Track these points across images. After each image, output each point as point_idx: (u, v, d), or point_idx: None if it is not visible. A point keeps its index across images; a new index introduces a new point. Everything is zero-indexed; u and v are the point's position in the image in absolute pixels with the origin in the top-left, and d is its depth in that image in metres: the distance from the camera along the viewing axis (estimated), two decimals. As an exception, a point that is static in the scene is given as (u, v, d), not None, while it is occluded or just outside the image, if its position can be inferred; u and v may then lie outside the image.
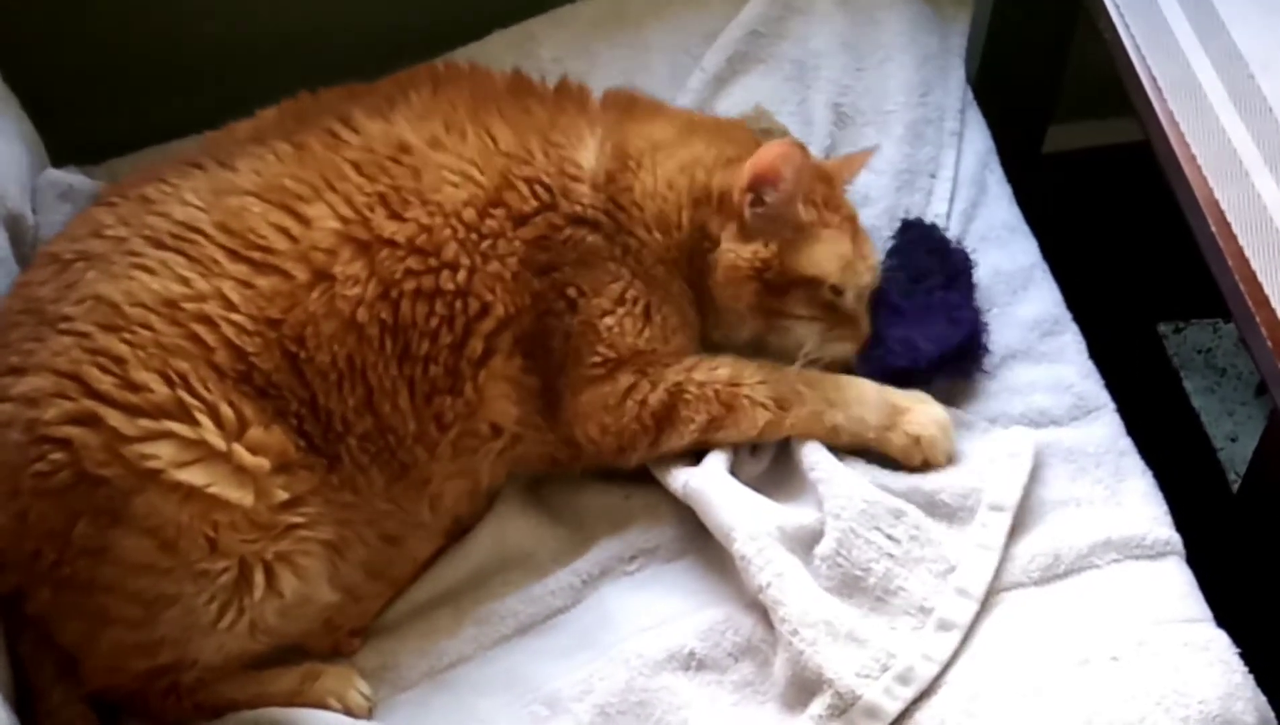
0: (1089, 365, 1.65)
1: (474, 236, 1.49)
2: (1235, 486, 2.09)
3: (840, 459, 1.52)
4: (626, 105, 1.63)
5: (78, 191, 1.77)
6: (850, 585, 1.46)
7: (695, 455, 1.55)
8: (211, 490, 1.38)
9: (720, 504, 1.48)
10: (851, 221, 1.60)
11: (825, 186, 1.59)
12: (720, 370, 1.54)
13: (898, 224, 1.71)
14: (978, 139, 1.85)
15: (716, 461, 1.53)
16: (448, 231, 1.48)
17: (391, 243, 1.46)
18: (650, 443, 1.54)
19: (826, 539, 1.47)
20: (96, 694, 1.46)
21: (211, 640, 1.43)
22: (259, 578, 1.41)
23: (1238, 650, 1.42)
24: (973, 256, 1.67)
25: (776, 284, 1.54)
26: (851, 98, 1.84)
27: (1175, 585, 1.46)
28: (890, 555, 1.46)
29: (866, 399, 1.54)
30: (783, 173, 1.52)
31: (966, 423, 1.57)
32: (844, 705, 1.38)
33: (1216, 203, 1.47)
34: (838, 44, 1.87)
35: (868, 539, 1.46)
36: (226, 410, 1.40)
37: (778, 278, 1.54)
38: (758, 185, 1.53)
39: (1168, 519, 1.51)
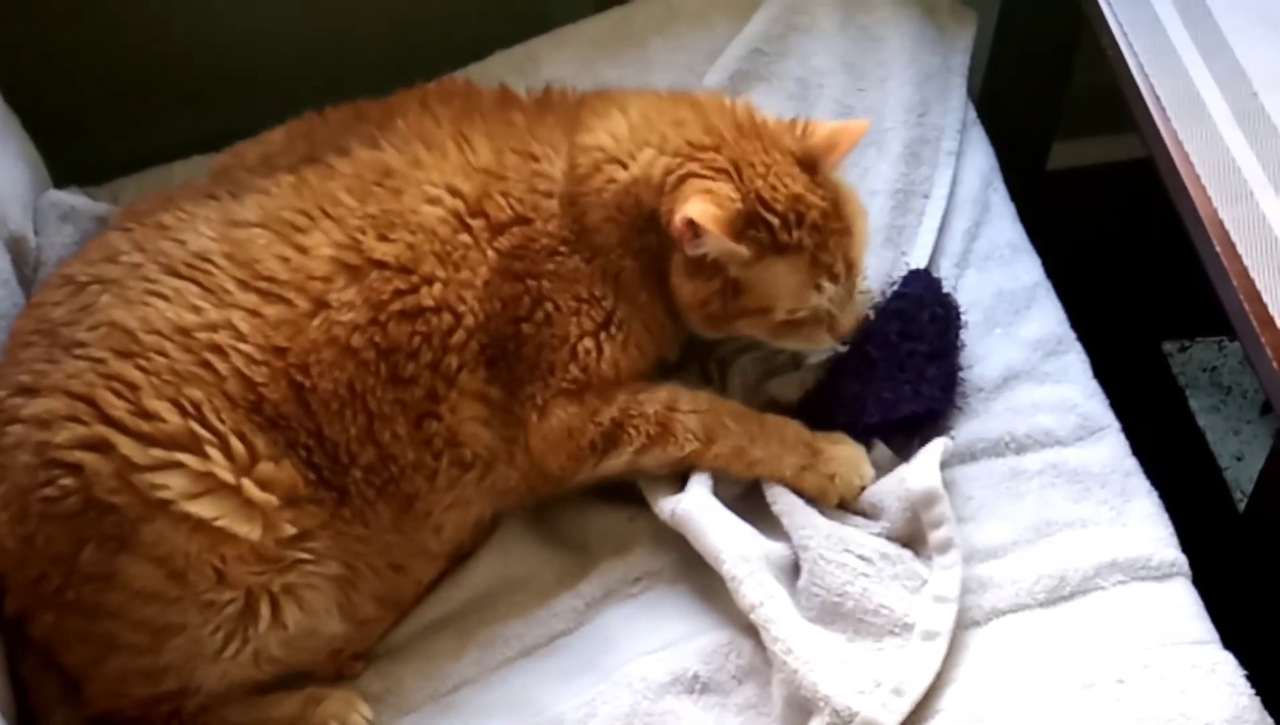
0: (1093, 385, 1.64)
1: (448, 249, 1.48)
2: (1241, 506, 2.08)
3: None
4: (587, 103, 1.59)
5: (80, 212, 1.76)
6: (830, 612, 1.45)
7: (680, 481, 1.55)
8: (220, 523, 1.38)
9: (709, 529, 1.49)
10: (819, 228, 1.50)
11: (795, 181, 1.49)
12: (660, 393, 1.54)
13: (900, 257, 1.71)
14: (980, 157, 1.84)
15: (700, 486, 1.53)
16: (427, 247, 1.48)
17: (381, 264, 1.47)
18: (594, 463, 1.54)
19: (801, 572, 1.48)
20: (99, 717, 1.46)
21: (216, 669, 1.43)
22: (264, 610, 1.42)
23: (1245, 672, 1.41)
24: (970, 296, 1.66)
25: (721, 315, 1.53)
26: (853, 116, 1.83)
27: (1181, 607, 1.46)
28: (864, 575, 1.46)
29: (787, 439, 1.54)
30: (705, 239, 1.46)
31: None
32: (842, 723, 1.37)
33: (1220, 221, 1.47)
34: (839, 62, 1.87)
35: (839, 563, 1.46)
36: (237, 443, 1.40)
37: (723, 311, 1.53)
38: (683, 238, 1.47)
39: (1173, 540, 1.50)
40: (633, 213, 1.51)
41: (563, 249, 1.51)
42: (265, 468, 1.41)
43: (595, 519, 1.60)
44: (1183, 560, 1.49)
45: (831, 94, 1.85)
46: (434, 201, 1.50)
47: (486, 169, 1.52)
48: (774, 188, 1.49)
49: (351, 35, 1.96)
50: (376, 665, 1.54)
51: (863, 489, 1.53)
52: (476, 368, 1.49)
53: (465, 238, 1.49)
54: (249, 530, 1.39)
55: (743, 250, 1.47)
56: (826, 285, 1.52)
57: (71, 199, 1.78)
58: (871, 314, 1.60)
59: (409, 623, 1.56)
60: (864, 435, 1.56)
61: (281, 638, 1.44)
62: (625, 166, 1.51)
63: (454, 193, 1.50)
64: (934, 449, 1.52)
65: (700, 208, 1.44)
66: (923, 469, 1.50)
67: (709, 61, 1.89)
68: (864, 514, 1.53)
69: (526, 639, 1.52)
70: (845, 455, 1.54)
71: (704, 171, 1.49)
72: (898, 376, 1.56)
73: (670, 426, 1.52)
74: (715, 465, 1.53)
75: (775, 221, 1.48)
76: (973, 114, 1.88)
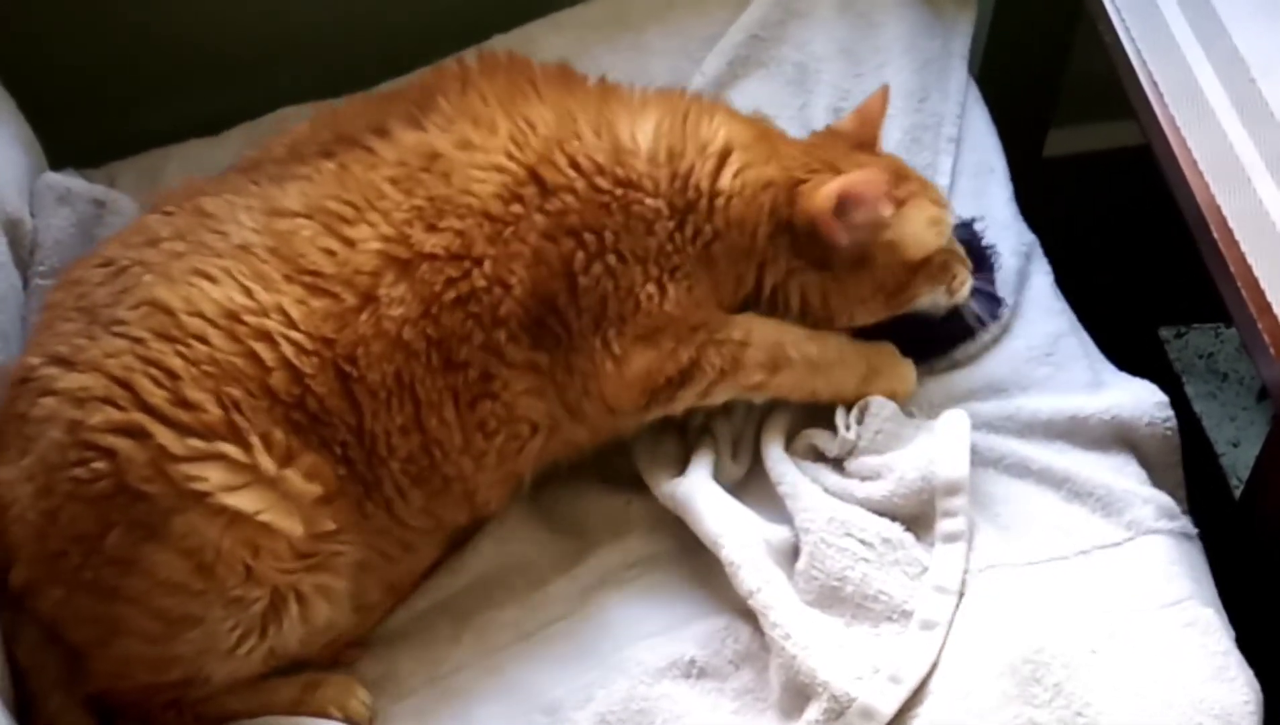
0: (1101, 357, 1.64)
1: (499, 226, 1.47)
2: (1237, 492, 2.08)
3: (804, 472, 1.53)
4: (682, 96, 1.62)
5: (76, 195, 1.76)
6: (829, 597, 1.45)
7: (680, 464, 1.56)
8: (263, 518, 1.37)
9: (708, 513, 1.49)
10: (901, 174, 1.59)
11: (875, 151, 1.60)
12: (735, 330, 1.54)
13: None
14: (981, 143, 1.84)
15: (701, 470, 1.53)
16: (477, 230, 1.47)
17: (431, 256, 1.45)
18: (667, 398, 1.54)
19: (801, 555, 1.48)
20: (97, 696, 1.45)
21: (226, 665, 1.42)
22: (292, 608, 1.41)
23: (1234, 634, 1.42)
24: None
25: (896, 286, 1.56)
26: (851, 102, 1.83)
27: (1158, 566, 1.46)
28: (865, 559, 1.46)
29: (847, 359, 1.57)
30: (857, 208, 1.50)
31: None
32: (840, 708, 1.37)
33: (1218, 207, 1.47)
34: (838, 48, 1.87)
35: (840, 547, 1.46)
36: (279, 436, 1.39)
37: (896, 281, 1.55)
38: (844, 209, 1.50)
39: (1159, 499, 1.51)
40: (756, 230, 1.53)
41: (644, 199, 1.50)
42: (307, 460, 1.40)
43: (593, 504, 1.60)
44: (1172, 522, 1.49)
45: (830, 80, 1.85)
46: (484, 181, 1.48)
47: (547, 135, 1.51)
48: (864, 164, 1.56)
49: (349, 19, 1.95)
50: (374, 651, 1.54)
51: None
52: (521, 337, 1.48)
53: (517, 208, 1.48)
54: (290, 526, 1.38)
55: (888, 206, 1.51)
56: (949, 214, 1.59)
57: (68, 181, 1.78)
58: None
59: (406, 608, 1.56)
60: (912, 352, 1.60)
61: (300, 634, 1.43)
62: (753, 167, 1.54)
63: (503, 169, 1.49)
64: (961, 431, 1.51)
65: (842, 181, 1.49)
66: (953, 456, 1.49)
67: (706, 48, 1.89)
68: (877, 474, 1.52)
69: (523, 624, 1.52)
70: (901, 376, 1.58)
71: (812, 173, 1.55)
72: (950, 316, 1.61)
73: (741, 359, 1.53)
74: (779, 393, 1.56)
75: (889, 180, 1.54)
76: (974, 97, 1.88)
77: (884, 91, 1.64)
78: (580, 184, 1.49)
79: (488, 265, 1.46)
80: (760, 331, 1.54)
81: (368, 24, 1.95)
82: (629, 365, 1.51)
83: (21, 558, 1.40)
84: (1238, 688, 1.38)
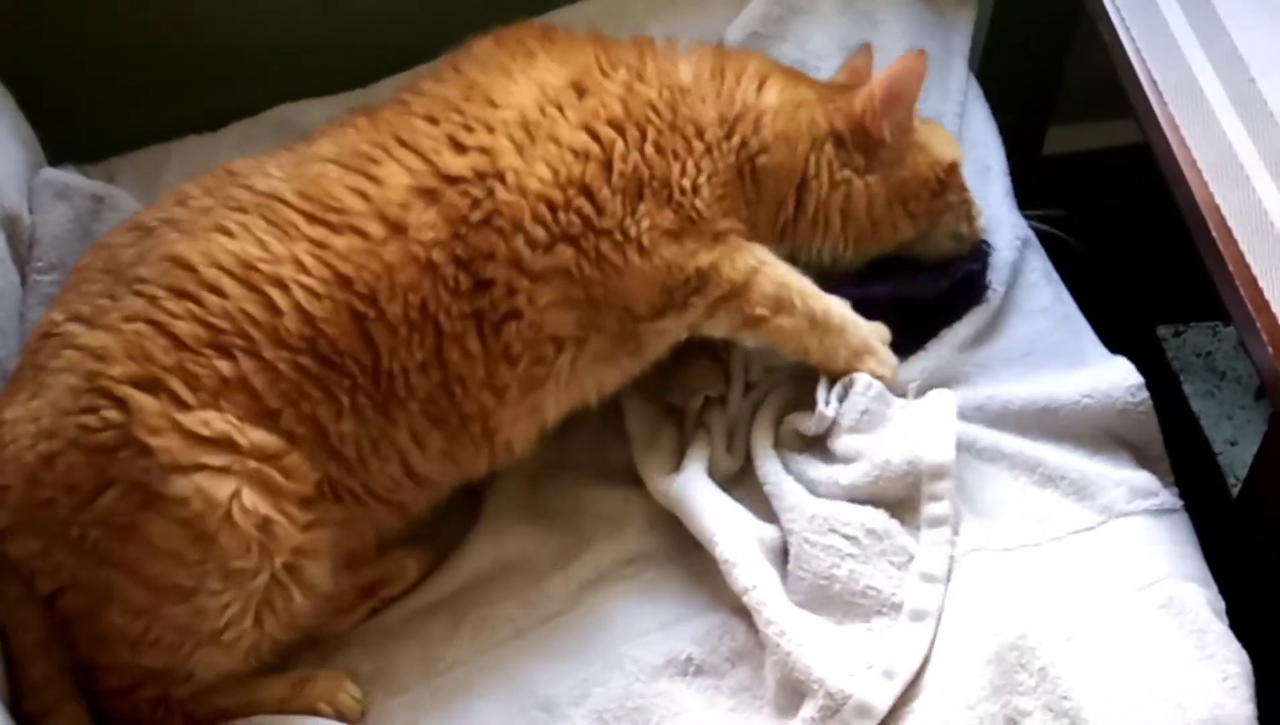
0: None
1: (529, 132, 1.50)
2: (1235, 491, 2.08)
3: (789, 468, 1.54)
4: (720, 50, 1.70)
5: (75, 190, 1.76)
6: (818, 597, 1.46)
7: (676, 460, 1.56)
8: (285, 461, 1.39)
9: (702, 511, 1.49)
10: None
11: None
12: (752, 256, 1.56)
13: None
14: (980, 139, 1.84)
15: (696, 466, 1.54)
16: (506, 141, 1.49)
17: (456, 180, 1.47)
18: (680, 305, 1.54)
19: (790, 556, 1.48)
20: (84, 674, 1.44)
21: (209, 653, 1.42)
22: (290, 579, 1.42)
23: (1221, 604, 1.43)
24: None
25: (938, 190, 1.63)
26: (851, 100, 1.83)
27: (1135, 548, 1.47)
28: (851, 555, 1.46)
29: (847, 329, 1.57)
30: (898, 100, 1.61)
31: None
32: (835, 705, 1.37)
33: (1217, 206, 1.47)
34: (838, 46, 1.87)
35: (825, 545, 1.46)
36: (284, 388, 1.41)
37: (938, 183, 1.63)
38: (890, 106, 1.60)
39: (1133, 480, 1.51)
40: (799, 146, 1.60)
41: (697, 107, 1.56)
42: (309, 414, 1.42)
43: (590, 501, 1.60)
44: (1156, 501, 1.51)
45: (830, 77, 1.85)
46: (524, 91, 1.52)
47: (584, 61, 1.56)
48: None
49: (349, 16, 1.95)
50: (369, 646, 1.54)
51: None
52: (539, 238, 1.48)
53: (553, 111, 1.51)
54: (305, 473, 1.41)
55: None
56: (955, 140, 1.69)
57: (67, 177, 1.78)
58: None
59: (402, 604, 1.56)
60: (903, 312, 1.61)
61: (292, 612, 1.43)
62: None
63: (541, 82, 1.53)
64: (947, 413, 1.52)
65: (884, 78, 1.61)
66: (939, 439, 1.50)
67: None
68: (861, 456, 1.51)
69: (519, 621, 1.52)
70: (890, 359, 1.58)
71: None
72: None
73: (750, 284, 1.54)
74: (773, 338, 1.57)
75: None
76: (975, 94, 1.88)
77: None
78: (623, 86, 1.54)
79: (510, 176, 1.48)
80: (775, 266, 1.57)
81: (367, 21, 1.95)
82: (653, 258, 1.51)
83: (7, 500, 1.39)
84: (1217, 664, 1.39)
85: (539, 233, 1.48)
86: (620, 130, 1.52)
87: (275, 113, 1.88)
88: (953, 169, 1.64)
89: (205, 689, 1.45)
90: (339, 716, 1.47)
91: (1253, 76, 1.58)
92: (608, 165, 1.50)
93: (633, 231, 1.50)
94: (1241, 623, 1.44)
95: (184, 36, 1.91)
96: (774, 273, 1.56)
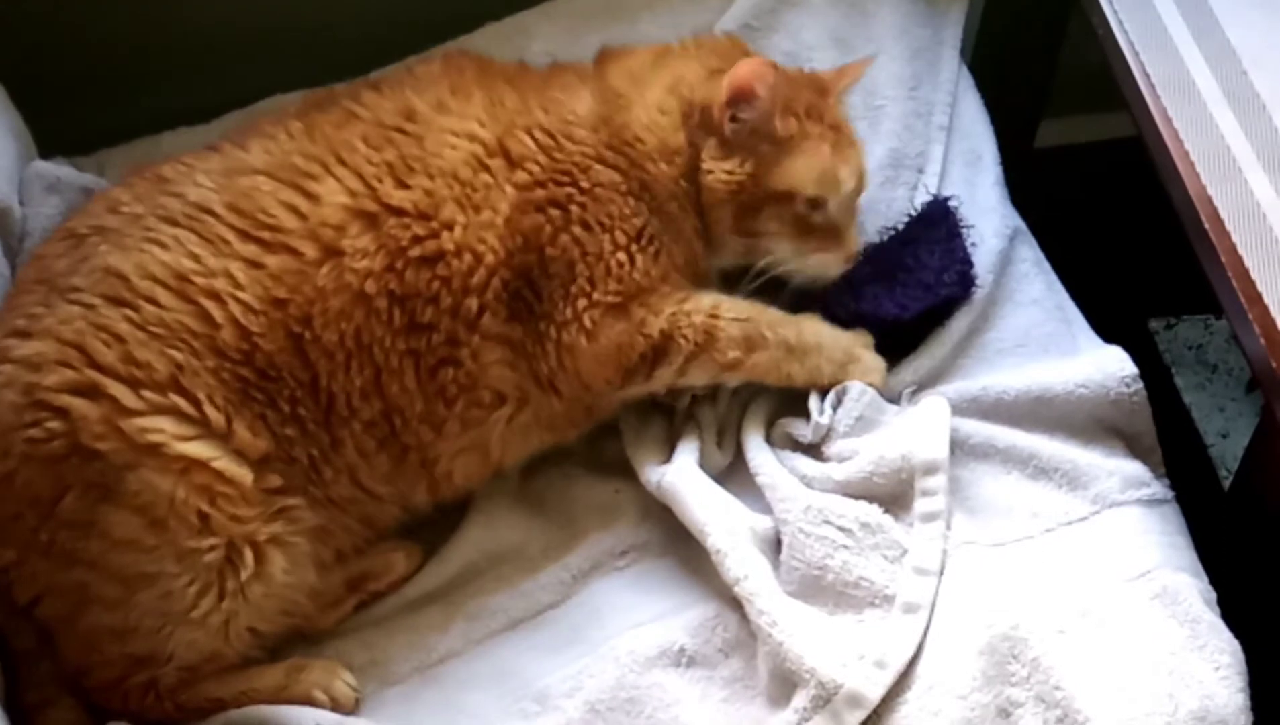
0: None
1: (469, 191, 1.50)
2: (1226, 483, 2.09)
3: (782, 462, 1.53)
4: (607, 54, 1.66)
5: (66, 183, 1.76)
6: (811, 586, 1.46)
7: (668, 451, 1.56)
8: (215, 465, 1.39)
9: (694, 501, 1.49)
10: (836, 130, 1.61)
11: (813, 95, 1.61)
12: (705, 301, 1.55)
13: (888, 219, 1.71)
14: (972, 130, 1.84)
15: (687, 458, 1.54)
16: (446, 191, 1.49)
17: (399, 211, 1.47)
18: (645, 376, 1.54)
19: (783, 546, 1.48)
20: (75, 677, 1.45)
21: (185, 633, 1.42)
22: (248, 557, 1.42)
23: (1213, 594, 1.43)
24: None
25: (751, 203, 1.56)
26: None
27: (1127, 538, 1.47)
28: (844, 547, 1.46)
29: (824, 345, 1.57)
30: (757, 89, 1.54)
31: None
32: (827, 695, 1.37)
33: (1209, 199, 1.48)
34: (829, 37, 1.87)
35: (819, 535, 1.46)
36: (228, 392, 1.41)
37: (752, 197, 1.56)
38: (735, 101, 1.55)
39: (1125, 470, 1.51)
40: (676, 140, 1.56)
41: (596, 168, 1.54)
42: (255, 416, 1.42)
43: (582, 492, 1.60)
44: (1145, 491, 1.51)
45: (821, 69, 1.84)
46: (455, 147, 1.51)
47: (513, 109, 1.55)
48: (797, 90, 1.60)
49: (340, 7, 1.94)
50: (363, 637, 1.54)
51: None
52: (498, 309, 1.49)
53: (486, 178, 1.50)
54: (242, 475, 1.40)
55: (784, 120, 1.56)
56: (845, 178, 1.58)
57: (58, 170, 1.78)
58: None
59: (395, 596, 1.56)
60: (884, 329, 1.60)
61: (260, 591, 1.43)
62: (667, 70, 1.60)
63: (474, 137, 1.52)
64: (941, 414, 1.52)
65: (754, 67, 1.54)
66: (932, 437, 1.50)
67: (699, 36, 1.88)
68: (856, 454, 1.51)
69: (513, 612, 1.52)
70: (877, 366, 1.57)
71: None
72: (914, 276, 1.61)
73: (715, 334, 1.54)
74: (753, 375, 1.56)
75: (801, 111, 1.58)
76: (966, 85, 1.88)
77: (868, 60, 1.72)
78: (543, 157, 1.52)
79: (458, 231, 1.48)
80: (731, 305, 1.56)
81: (359, 12, 1.95)
82: (600, 338, 1.52)
83: None
84: (1209, 654, 1.39)
85: (492, 299, 1.49)
86: (545, 213, 1.51)
87: (267, 104, 1.88)
88: (787, 198, 1.56)
89: (195, 676, 1.46)
90: (335, 705, 1.47)
91: (1245, 69, 1.58)
92: (540, 251, 1.50)
93: (570, 313, 1.51)
94: (1233, 613, 1.44)
95: (175, 28, 1.90)
96: (733, 311, 1.55)
